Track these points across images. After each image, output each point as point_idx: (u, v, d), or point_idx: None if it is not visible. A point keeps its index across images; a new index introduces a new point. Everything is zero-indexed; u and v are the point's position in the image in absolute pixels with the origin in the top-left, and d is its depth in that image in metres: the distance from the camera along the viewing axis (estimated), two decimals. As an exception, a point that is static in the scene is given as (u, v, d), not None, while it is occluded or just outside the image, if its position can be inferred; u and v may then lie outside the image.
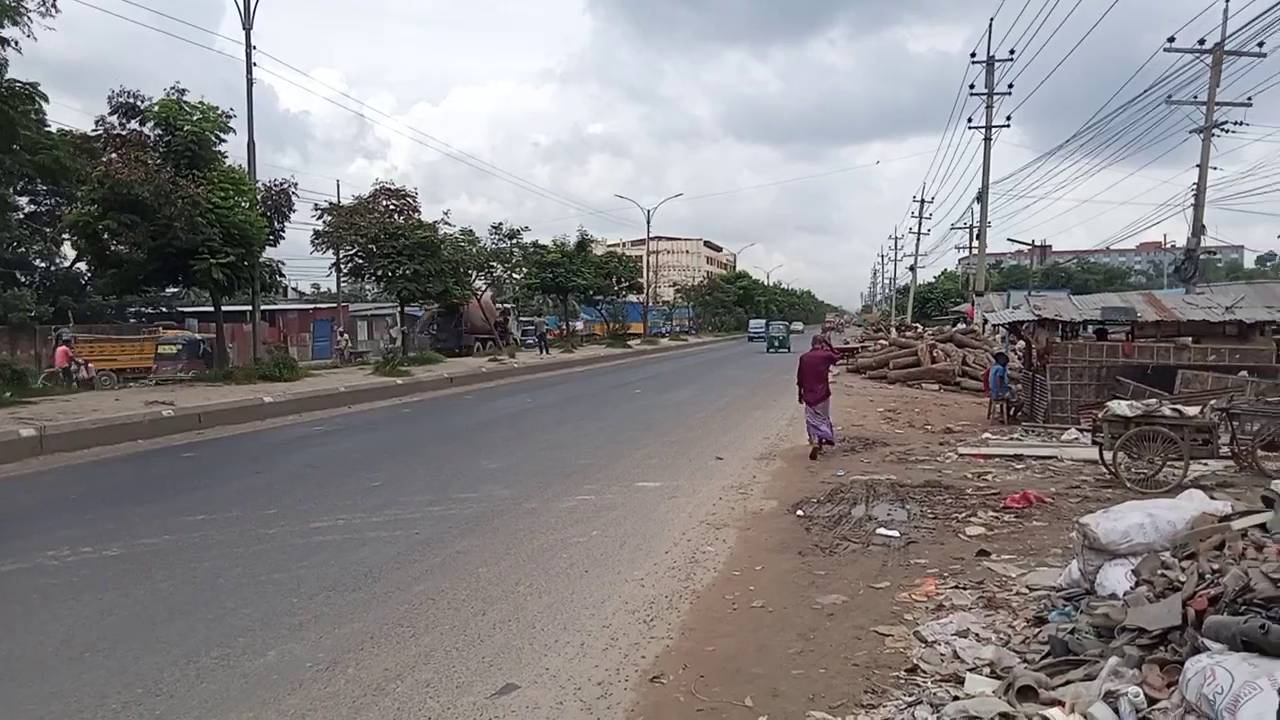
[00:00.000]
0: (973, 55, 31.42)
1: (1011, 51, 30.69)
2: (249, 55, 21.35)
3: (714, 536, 7.19)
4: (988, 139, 31.63)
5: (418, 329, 39.36)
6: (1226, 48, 23.45)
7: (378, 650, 4.62)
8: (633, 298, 57.45)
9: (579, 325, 55.95)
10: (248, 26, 21.23)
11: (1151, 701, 3.25)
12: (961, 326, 33.17)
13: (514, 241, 39.05)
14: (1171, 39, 23.72)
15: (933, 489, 8.85)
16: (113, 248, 18.71)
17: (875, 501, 8.31)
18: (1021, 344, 18.24)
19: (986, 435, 13.55)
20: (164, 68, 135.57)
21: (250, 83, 21.42)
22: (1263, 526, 4.32)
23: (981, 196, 32.61)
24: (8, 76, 15.59)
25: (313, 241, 27.23)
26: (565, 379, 27.07)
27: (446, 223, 30.14)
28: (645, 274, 59.54)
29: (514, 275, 42.32)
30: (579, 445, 12.28)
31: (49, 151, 21.63)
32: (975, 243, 35.57)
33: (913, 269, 65.74)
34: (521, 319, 49.28)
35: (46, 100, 16.99)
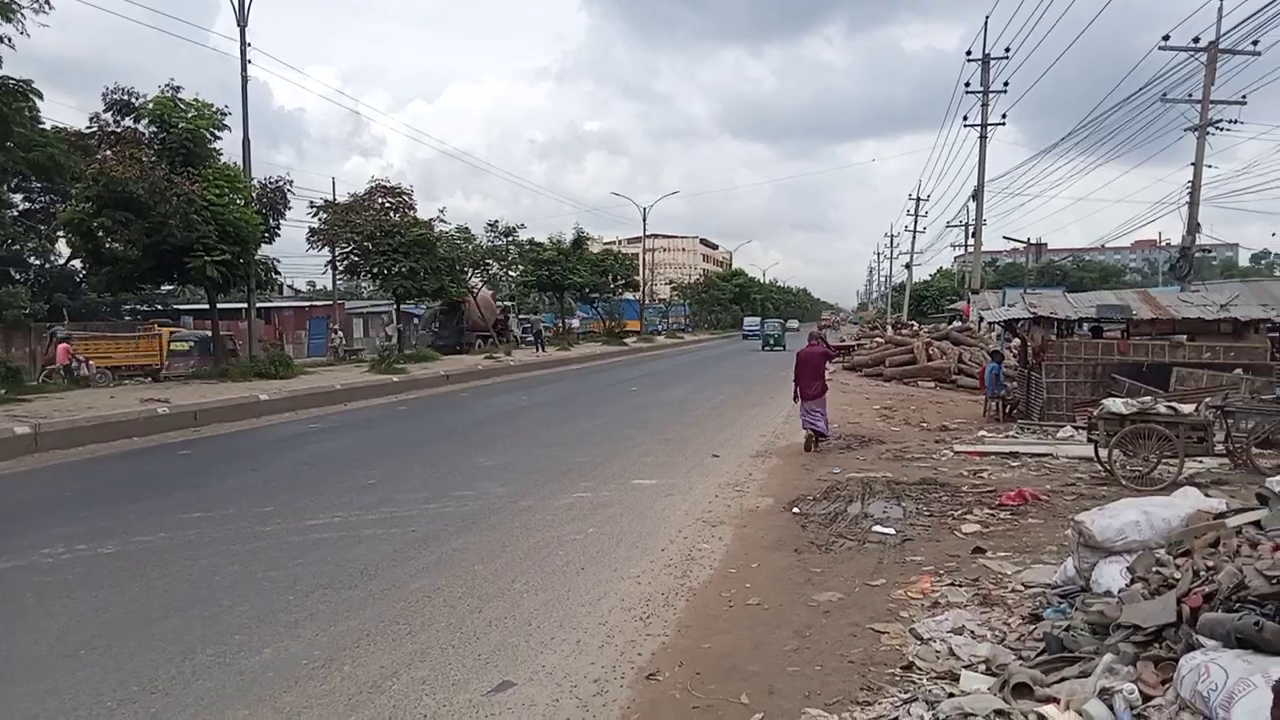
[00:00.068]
0: (968, 53, 31.51)
1: (1007, 49, 30.75)
2: (244, 52, 21.27)
3: (710, 534, 7.19)
4: (983, 137, 31.70)
5: (420, 326, 39.37)
6: (1221, 46, 23.52)
7: (374, 647, 4.61)
8: (629, 295, 57.46)
9: (575, 323, 55.94)
10: (242, 23, 21.15)
11: (1146, 698, 3.26)
12: (957, 324, 33.21)
13: (510, 239, 39.02)
14: (1166, 37, 23.83)
15: (928, 486, 8.87)
16: (107, 245, 18.63)
17: (871, 499, 8.33)
18: (1017, 342, 18.28)
19: (982, 433, 13.57)
20: (159, 65, 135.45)
21: (245, 80, 21.33)
22: (1257, 524, 4.33)
23: (977, 194, 32.69)
24: (1, 73, 15.50)
25: (308, 239, 27.17)
26: (561, 377, 27.06)
27: (442, 220, 30.16)
28: (641, 272, 59.58)
29: (510, 273, 42.30)
30: (575, 443, 12.28)
31: (43, 149, 21.56)
32: (971, 240, 35.66)
33: (908, 267, 65.94)
34: (519, 316, 49.28)
35: (40, 97, 16.91)
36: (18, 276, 31.30)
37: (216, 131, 20.29)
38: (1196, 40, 23.71)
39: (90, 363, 21.14)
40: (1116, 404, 9.39)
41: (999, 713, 3.39)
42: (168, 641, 4.68)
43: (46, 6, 15.67)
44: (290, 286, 55.60)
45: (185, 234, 18.29)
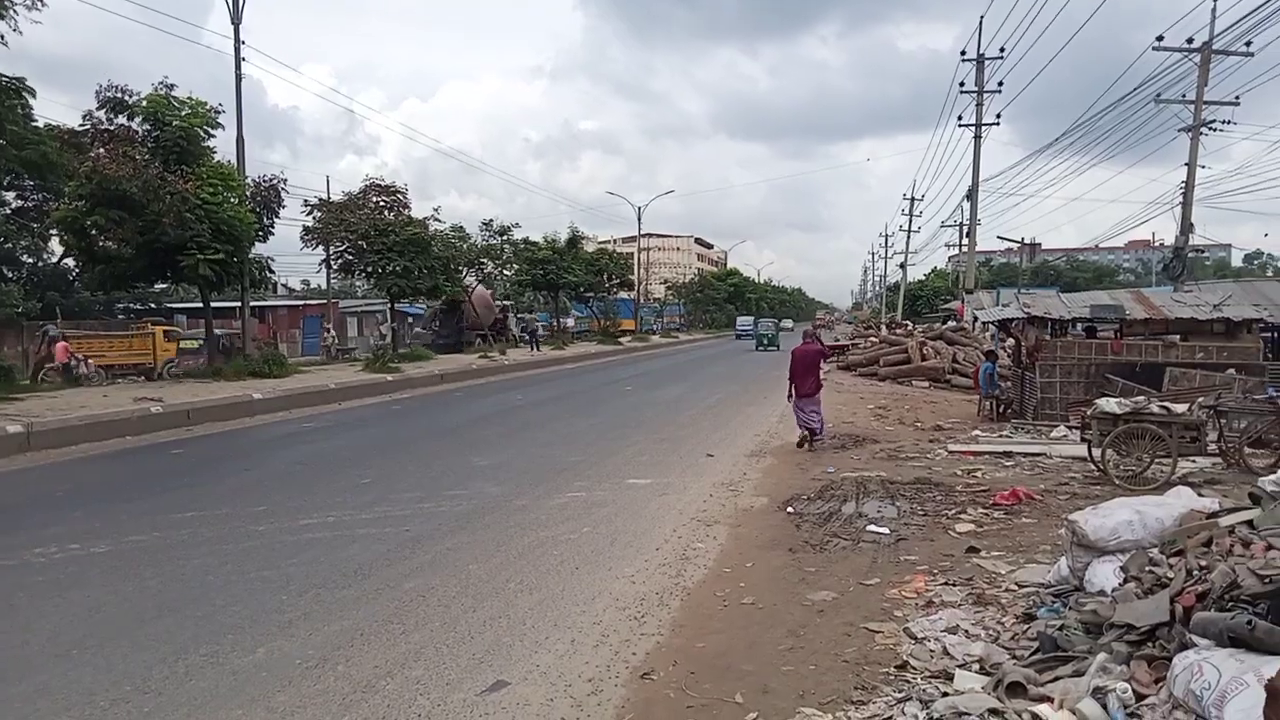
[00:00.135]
0: (963, 53, 31.61)
1: (1001, 49, 30.87)
2: (238, 50, 21.24)
3: (704, 533, 7.19)
4: (978, 137, 31.77)
5: (420, 325, 39.33)
6: (1214, 47, 23.62)
7: (367, 647, 4.60)
8: (624, 295, 57.46)
9: (570, 322, 55.91)
10: (236, 21, 21.11)
11: (1139, 697, 3.27)
12: (951, 324, 33.28)
13: (505, 238, 38.99)
14: (1160, 38, 23.89)
15: (922, 486, 8.88)
16: (101, 243, 18.57)
17: (865, 498, 8.33)
18: (1011, 341, 18.32)
19: (976, 432, 13.60)
20: (152, 62, 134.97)
21: (239, 78, 21.30)
22: (1250, 523, 4.34)
23: (971, 194, 32.75)
24: (-7, 71, 15.43)
25: (302, 238, 27.14)
26: (556, 376, 27.05)
27: (437, 219, 30.13)
28: (636, 271, 59.55)
29: (505, 272, 42.28)
30: (570, 442, 12.27)
31: (36, 146, 21.43)
32: (965, 240, 35.73)
33: (903, 266, 65.96)
34: (517, 316, 49.28)
35: (33, 95, 16.88)
36: (10, 275, 31.11)
37: (210, 130, 20.21)
38: (1190, 41, 23.80)
39: (89, 361, 21.11)
40: (1110, 404, 9.41)
41: (993, 712, 3.39)
42: (161, 641, 4.66)
43: (40, 3, 15.57)
44: (284, 285, 55.48)
45: (179, 232, 18.24)
